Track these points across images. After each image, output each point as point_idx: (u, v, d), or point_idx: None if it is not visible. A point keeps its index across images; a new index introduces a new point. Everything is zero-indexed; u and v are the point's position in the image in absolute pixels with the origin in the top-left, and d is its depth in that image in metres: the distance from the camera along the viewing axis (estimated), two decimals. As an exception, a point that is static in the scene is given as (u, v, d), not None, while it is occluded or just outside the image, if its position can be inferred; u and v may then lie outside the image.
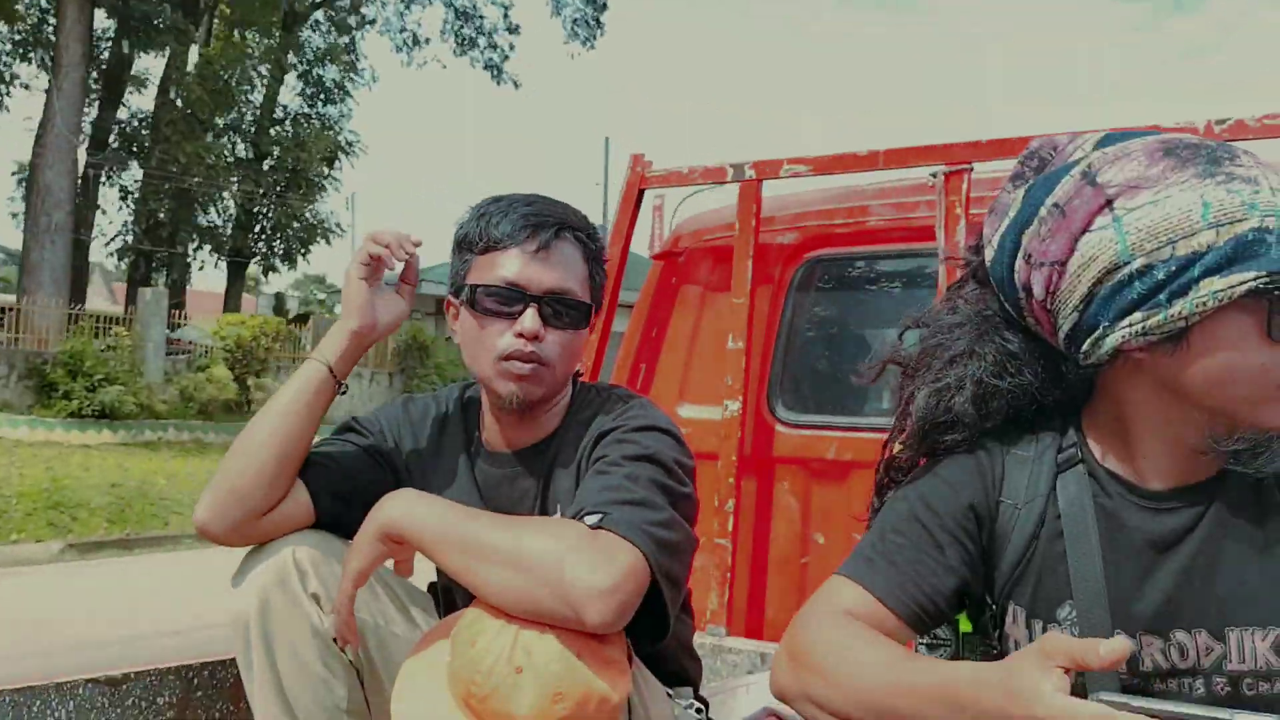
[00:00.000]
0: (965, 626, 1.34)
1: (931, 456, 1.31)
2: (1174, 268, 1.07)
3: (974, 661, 1.12)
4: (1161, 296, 1.08)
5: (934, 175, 2.39)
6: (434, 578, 1.70)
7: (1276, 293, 1.05)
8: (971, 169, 2.35)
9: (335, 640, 1.49)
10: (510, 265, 1.57)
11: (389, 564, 1.51)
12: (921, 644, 1.37)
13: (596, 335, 2.71)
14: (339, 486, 1.59)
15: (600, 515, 1.35)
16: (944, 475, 1.26)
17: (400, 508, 1.42)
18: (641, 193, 2.78)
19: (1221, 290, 1.05)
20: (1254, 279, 1.04)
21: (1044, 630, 1.20)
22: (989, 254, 1.24)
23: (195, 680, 1.77)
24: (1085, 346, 1.15)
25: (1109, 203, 1.11)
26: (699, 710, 1.70)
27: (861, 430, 2.68)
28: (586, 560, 1.28)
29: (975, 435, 1.27)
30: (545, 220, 1.59)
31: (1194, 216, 1.06)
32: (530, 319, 1.55)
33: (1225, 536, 1.16)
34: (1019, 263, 1.19)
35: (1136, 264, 1.08)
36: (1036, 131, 2.32)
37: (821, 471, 2.67)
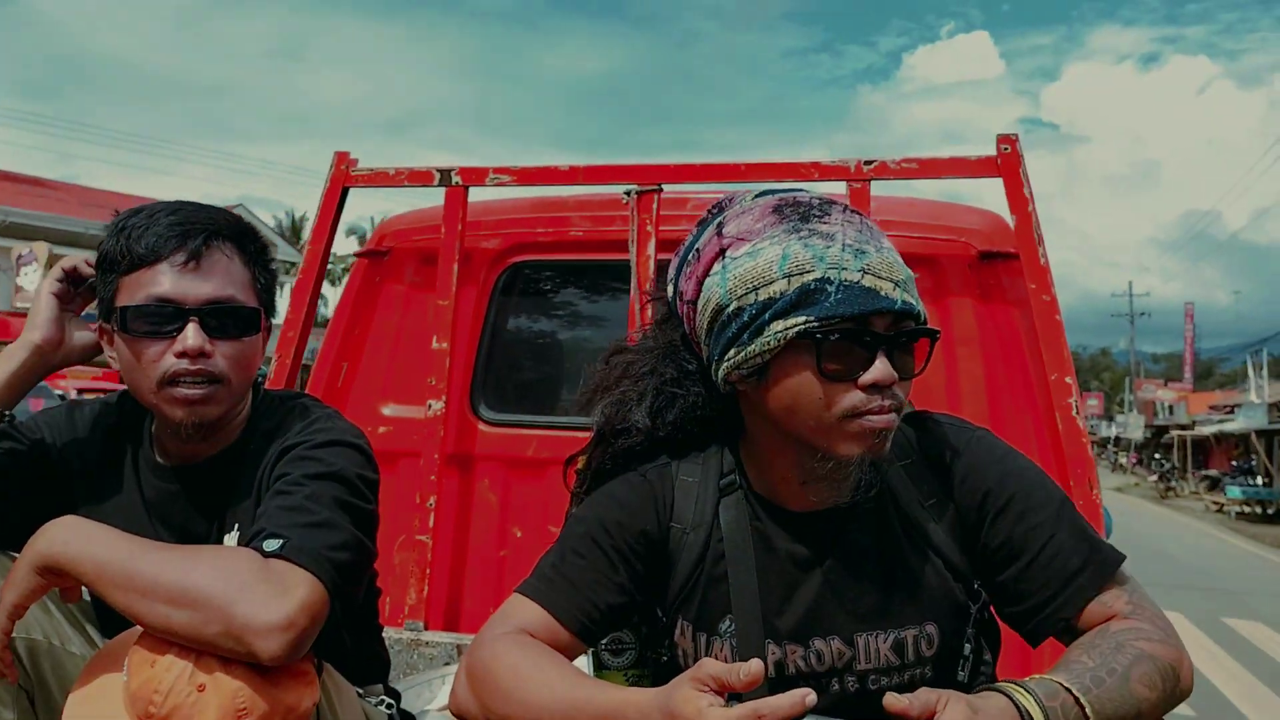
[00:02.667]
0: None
1: (609, 460, 1.44)
2: (755, 311, 1.23)
3: (641, 687, 1.24)
4: (745, 335, 1.25)
5: (628, 194, 2.57)
6: None
7: (822, 335, 1.21)
8: (661, 190, 2.55)
9: None
10: (161, 281, 1.46)
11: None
12: (604, 649, 1.48)
13: (294, 334, 2.68)
14: None
15: (281, 541, 1.33)
16: (621, 500, 1.38)
17: (58, 540, 1.32)
18: (345, 190, 2.77)
19: (781, 331, 1.22)
20: (804, 322, 1.21)
21: (708, 641, 1.35)
22: (670, 289, 1.39)
23: None
24: (713, 377, 1.33)
25: (722, 252, 1.27)
26: (389, 704, 1.75)
27: (560, 430, 2.82)
28: (259, 595, 1.26)
29: (647, 442, 1.41)
30: (193, 227, 1.49)
31: (774, 268, 1.23)
32: (193, 335, 1.46)
33: (855, 555, 1.33)
34: (676, 298, 1.36)
35: (732, 306, 1.25)
36: (732, 159, 2.55)
37: (521, 469, 2.79)
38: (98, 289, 1.54)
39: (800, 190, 1.34)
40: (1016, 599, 1.30)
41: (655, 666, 1.45)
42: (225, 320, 1.49)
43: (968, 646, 1.36)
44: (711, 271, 1.28)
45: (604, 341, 3.19)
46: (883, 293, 1.21)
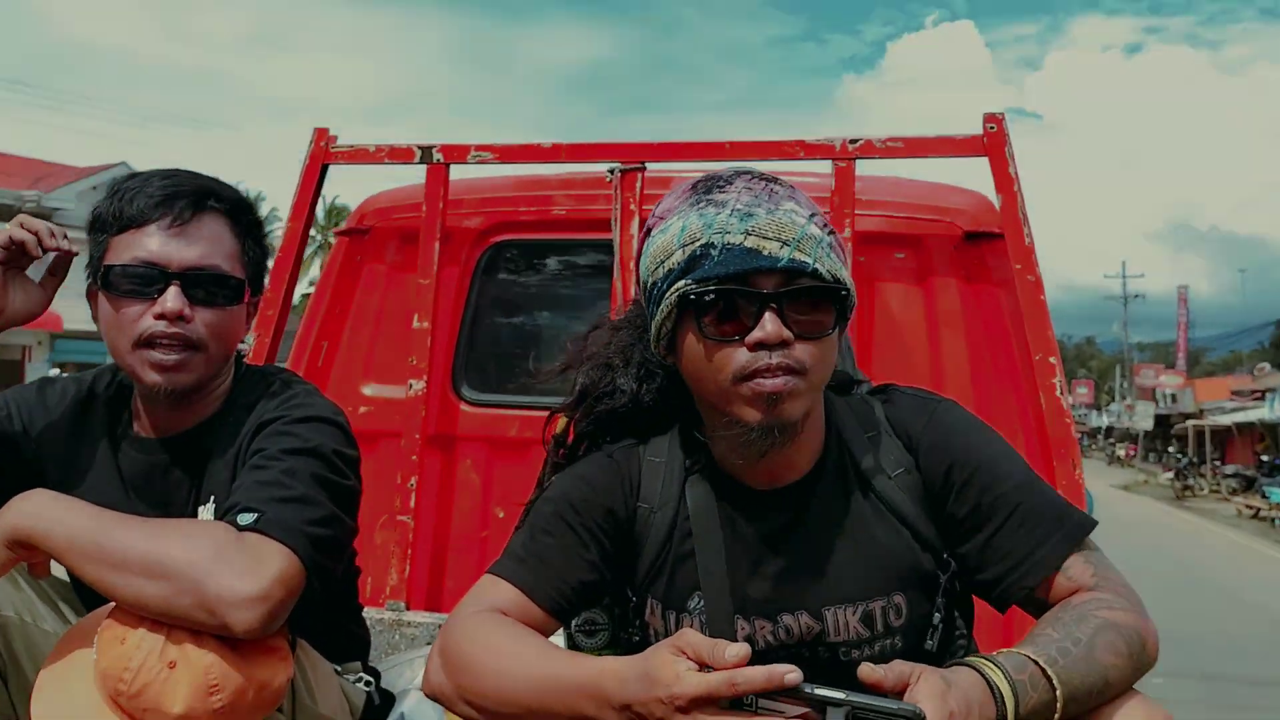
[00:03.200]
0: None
1: (590, 424, 1.44)
2: (659, 283, 1.27)
3: (616, 656, 1.24)
4: (652, 307, 1.29)
5: (611, 172, 2.54)
6: None
7: (697, 297, 1.23)
8: (644, 168, 2.53)
9: None
10: (148, 243, 1.47)
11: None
12: (579, 629, 1.48)
13: (274, 312, 2.65)
14: None
15: (256, 515, 1.33)
16: (587, 478, 1.38)
17: (28, 512, 1.31)
18: (325, 167, 2.74)
19: (669, 296, 1.25)
20: (683, 286, 1.23)
21: (677, 620, 1.35)
22: None
23: None
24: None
25: (648, 231, 1.32)
26: (368, 683, 1.75)
27: (543, 410, 2.80)
28: (233, 566, 1.26)
29: (631, 406, 1.42)
30: (183, 192, 1.50)
31: (674, 240, 1.26)
32: (173, 298, 1.46)
33: (820, 530, 1.34)
34: None
35: (648, 281, 1.30)
36: (714, 139, 2.53)
37: (503, 449, 2.77)
38: (90, 248, 1.54)
39: (737, 168, 1.33)
40: (980, 568, 1.31)
41: (628, 647, 1.45)
42: (207, 287, 1.50)
43: (937, 616, 1.37)
44: (641, 251, 1.33)
45: (587, 321, 3.17)
46: (765, 251, 1.20)
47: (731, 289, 1.21)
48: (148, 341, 1.47)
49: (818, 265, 1.22)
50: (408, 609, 2.52)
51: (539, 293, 2.91)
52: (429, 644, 2.44)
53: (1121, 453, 53.96)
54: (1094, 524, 1.31)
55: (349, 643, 1.74)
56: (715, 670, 1.05)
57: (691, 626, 1.33)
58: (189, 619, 1.26)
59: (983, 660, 1.13)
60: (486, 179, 2.93)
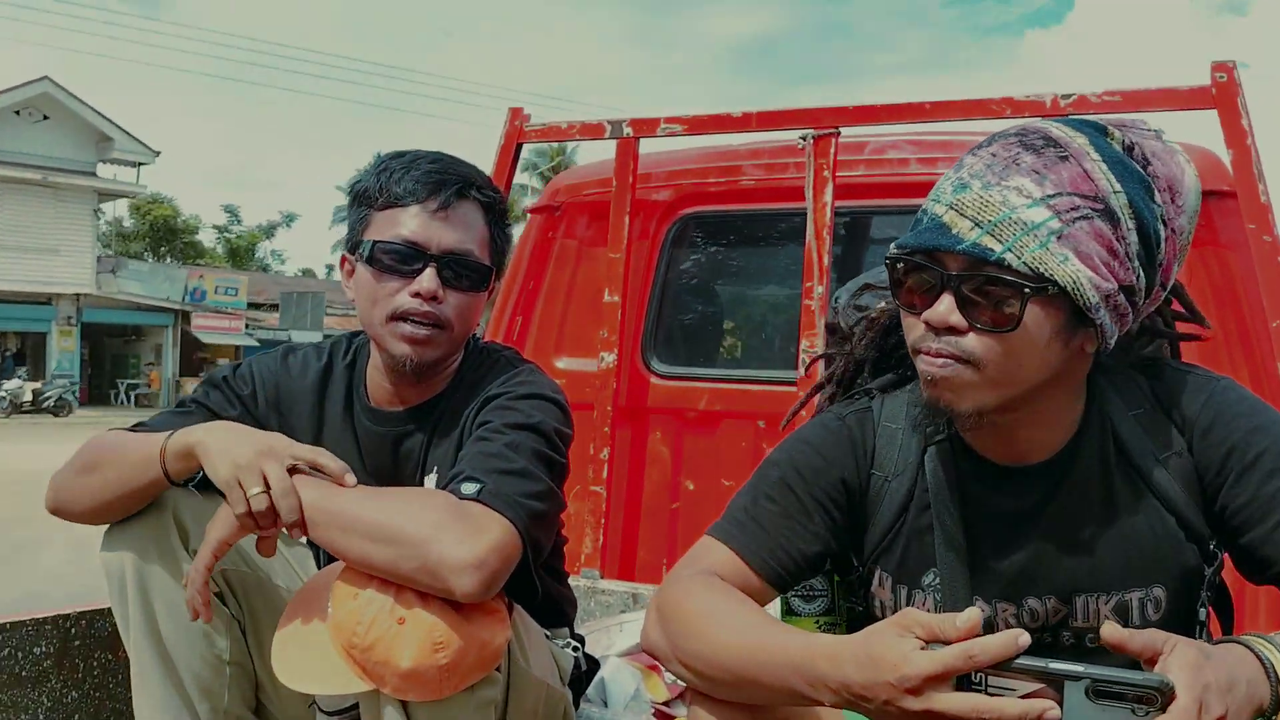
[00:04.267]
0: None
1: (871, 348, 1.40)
2: None
3: (832, 633, 1.18)
4: None
5: (803, 139, 2.49)
6: None
7: (890, 263, 1.18)
8: (838, 133, 2.46)
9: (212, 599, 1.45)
10: (410, 223, 1.54)
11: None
12: (796, 595, 1.44)
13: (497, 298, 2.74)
14: None
15: (479, 485, 1.37)
16: (817, 445, 1.32)
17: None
18: (519, 146, 2.80)
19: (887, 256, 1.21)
20: (893, 247, 1.19)
21: (909, 595, 1.29)
22: None
23: (73, 630, 1.76)
24: None
25: None
26: (575, 648, 1.78)
27: (731, 382, 2.80)
28: (454, 534, 1.31)
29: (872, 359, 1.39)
30: (448, 179, 1.57)
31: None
32: (429, 279, 1.53)
33: (1075, 509, 1.24)
34: None
35: None
36: (906, 100, 2.44)
37: (693, 421, 2.78)
38: (350, 218, 1.62)
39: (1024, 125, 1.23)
40: (1265, 564, 1.18)
41: (849, 616, 1.41)
42: (460, 271, 1.57)
43: (1203, 612, 1.26)
44: None
45: (778, 293, 3.17)
46: (954, 230, 1.12)
47: (917, 262, 1.15)
48: (401, 316, 1.54)
49: (1009, 254, 1.10)
50: (602, 577, 2.56)
51: (728, 264, 2.89)
52: (624, 611, 2.47)
53: None
54: None
55: (558, 609, 1.78)
56: (945, 641, 0.98)
57: (925, 604, 1.27)
58: (414, 582, 1.31)
59: (1258, 639, 1.02)
60: (674, 152, 2.93)
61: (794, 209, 2.57)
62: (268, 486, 1.35)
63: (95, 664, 1.79)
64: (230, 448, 1.39)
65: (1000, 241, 1.10)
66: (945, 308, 1.13)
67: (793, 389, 2.45)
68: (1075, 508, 1.25)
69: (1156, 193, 1.17)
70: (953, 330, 1.13)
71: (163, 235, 44.40)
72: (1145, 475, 1.24)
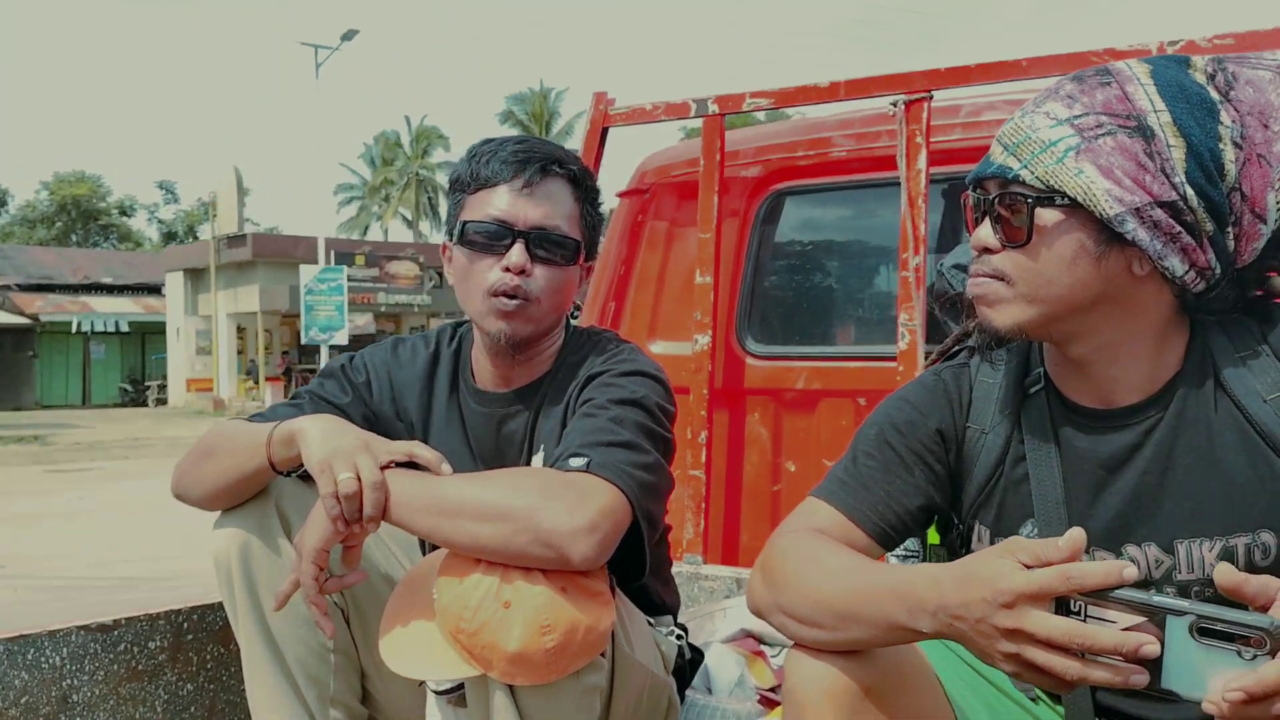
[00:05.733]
0: (933, 539, 1.40)
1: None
2: None
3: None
4: None
5: (894, 105, 2.41)
6: None
7: (971, 194, 1.23)
8: (931, 97, 2.37)
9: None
10: (498, 201, 1.59)
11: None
12: (894, 556, 1.44)
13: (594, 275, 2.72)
14: None
15: (585, 459, 1.38)
16: (913, 400, 1.32)
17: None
18: (605, 130, 2.77)
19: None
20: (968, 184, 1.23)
21: None
22: None
23: (185, 625, 1.80)
24: None
25: None
26: (679, 636, 1.76)
27: (829, 360, 2.73)
28: (564, 502, 1.32)
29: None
30: (532, 156, 1.60)
31: None
32: (517, 253, 1.56)
33: (1174, 451, 1.20)
34: None
35: None
36: (998, 59, 2.35)
37: (791, 401, 2.72)
38: (449, 207, 1.69)
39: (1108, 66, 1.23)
40: None
41: None
42: (547, 245, 1.60)
43: None
44: None
45: (873, 267, 3.08)
46: (990, 156, 1.20)
47: (968, 190, 1.23)
48: (494, 292, 1.58)
49: (1025, 170, 1.15)
50: (704, 562, 2.53)
51: (821, 239, 2.83)
52: (727, 597, 2.44)
53: None
54: None
55: (662, 597, 1.76)
56: (1049, 563, 0.94)
57: None
58: (527, 556, 1.31)
59: None
60: (762, 127, 2.88)
61: (887, 178, 2.49)
62: (359, 477, 1.36)
63: (209, 657, 1.83)
64: (329, 436, 1.41)
65: (1018, 160, 1.17)
66: (984, 230, 1.20)
67: (892, 364, 2.38)
68: (1174, 449, 1.20)
69: (1225, 115, 1.14)
70: (989, 250, 1.20)
71: (75, 218, 39.39)
72: (1251, 417, 1.19)
